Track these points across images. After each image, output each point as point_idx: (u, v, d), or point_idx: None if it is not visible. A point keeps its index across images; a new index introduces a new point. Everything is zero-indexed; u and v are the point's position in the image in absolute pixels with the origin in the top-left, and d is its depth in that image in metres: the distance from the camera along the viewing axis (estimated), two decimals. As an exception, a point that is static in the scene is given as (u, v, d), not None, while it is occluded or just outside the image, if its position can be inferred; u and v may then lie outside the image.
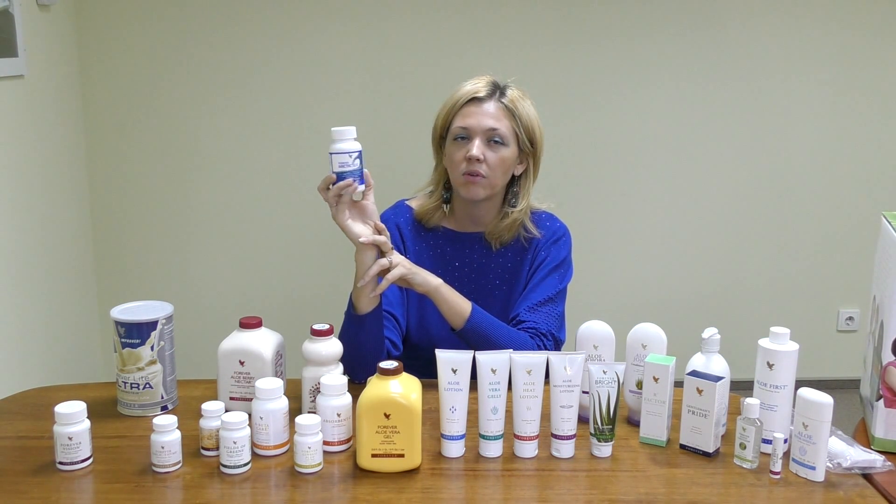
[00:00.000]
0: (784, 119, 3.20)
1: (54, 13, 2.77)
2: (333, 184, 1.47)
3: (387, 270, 1.54)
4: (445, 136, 1.70)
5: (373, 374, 1.32)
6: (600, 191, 3.23)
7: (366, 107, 3.08)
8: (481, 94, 1.66)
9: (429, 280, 1.58)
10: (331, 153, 1.46)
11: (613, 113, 3.17)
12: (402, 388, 1.28)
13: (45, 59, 2.70)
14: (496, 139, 1.64)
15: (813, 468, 1.27)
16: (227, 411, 1.31)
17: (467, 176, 1.65)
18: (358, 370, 1.52)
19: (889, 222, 1.44)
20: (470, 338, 1.59)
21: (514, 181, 1.73)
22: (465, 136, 1.65)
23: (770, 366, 1.34)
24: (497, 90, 1.68)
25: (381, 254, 1.54)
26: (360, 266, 1.54)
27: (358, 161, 1.47)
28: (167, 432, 1.27)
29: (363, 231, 1.52)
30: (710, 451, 1.34)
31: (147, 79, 3.02)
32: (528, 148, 1.69)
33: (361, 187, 1.49)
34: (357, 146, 1.47)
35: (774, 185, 3.26)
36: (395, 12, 3.03)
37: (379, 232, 1.54)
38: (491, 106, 1.65)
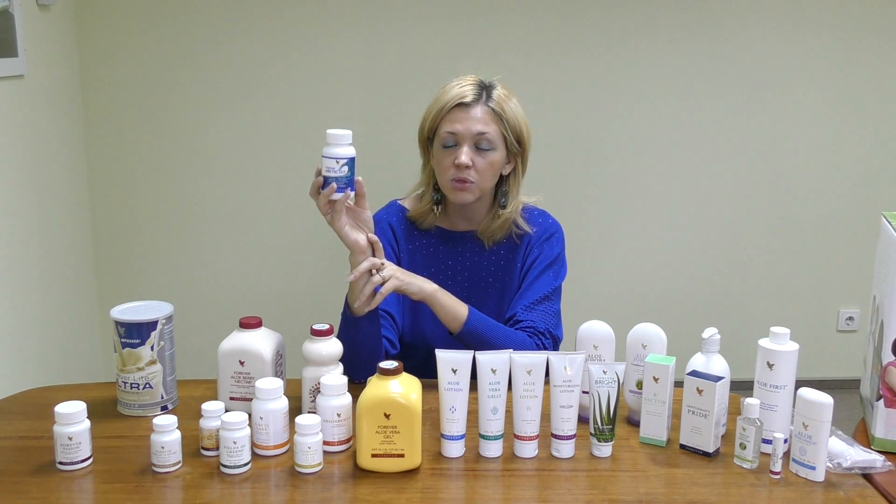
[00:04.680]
0: (784, 118, 3.20)
1: (54, 13, 2.77)
2: (322, 187, 1.45)
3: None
4: (432, 137, 1.70)
5: (372, 374, 1.32)
6: (601, 190, 3.23)
7: (360, 106, 3.08)
8: (468, 99, 1.64)
9: (424, 287, 1.58)
10: (322, 156, 1.44)
11: (614, 112, 3.17)
12: (402, 388, 1.28)
13: (45, 59, 2.70)
14: (484, 144, 1.64)
15: (813, 468, 1.27)
16: (227, 411, 1.31)
17: (455, 183, 1.65)
18: (357, 370, 1.51)
19: (889, 222, 1.44)
20: (468, 341, 1.58)
21: (502, 180, 1.73)
22: (453, 143, 1.65)
23: (770, 366, 1.34)
24: (483, 92, 1.66)
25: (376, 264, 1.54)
26: (355, 269, 1.54)
27: (346, 168, 1.44)
28: (167, 432, 1.27)
29: (359, 240, 1.52)
30: (710, 451, 1.34)
31: (147, 79, 3.02)
32: (516, 148, 1.69)
33: (342, 195, 1.45)
34: (348, 152, 1.44)
35: (774, 184, 3.26)
36: (391, 12, 3.03)
37: (371, 243, 1.53)
38: (478, 111, 1.64)
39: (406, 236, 1.77)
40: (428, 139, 1.72)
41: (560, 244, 1.76)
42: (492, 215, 1.73)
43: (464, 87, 1.66)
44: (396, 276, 1.55)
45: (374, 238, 1.54)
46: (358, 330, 1.56)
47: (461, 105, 1.65)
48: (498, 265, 1.75)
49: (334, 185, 1.44)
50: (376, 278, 1.53)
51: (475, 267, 1.75)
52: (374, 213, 1.78)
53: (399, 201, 1.81)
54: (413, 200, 1.80)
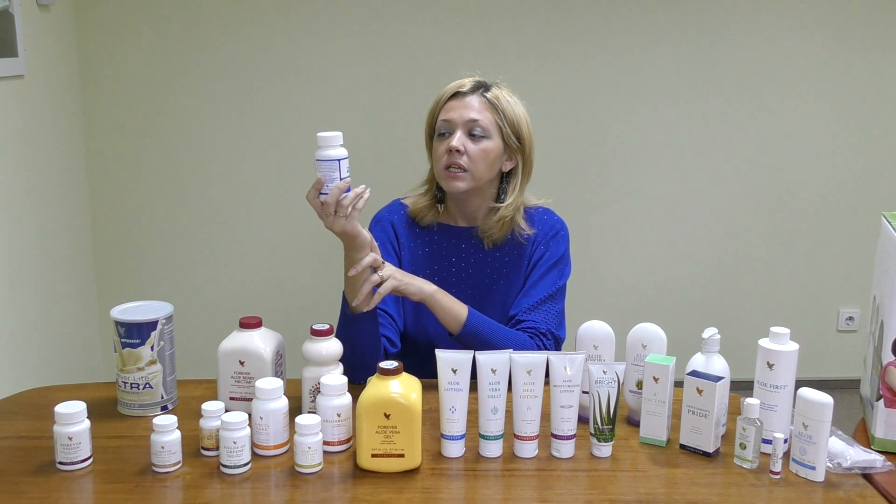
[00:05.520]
0: (784, 118, 3.20)
1: (54, 13, 2.77)
2: (349, 189, 1.44)
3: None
4: (433, 134, 1.71)
5: (371, 374, 1.32)
6: (601, 190, 3.24)
7: (362, 107, 3.08)
8: (464, 89, 1.67)
9: (423, 288, 1.58)
10: (338, 159, 1.42)
11: (615, 112, 3.17)
12: (402, 388, 1.28)
13: (45, 59, 2.70)
14: (477, 131, 1.64)
15: (813, 468, 1.27)
16: (227, 411, 1.31)
17: (448, 170, 1.65)
18: (356, 370, 1.51)
19: (889, 222, 1.44)
20: (468, 342, 1.58)
21: (503, 179, 1.73)
22: (448, 131, 1.66)
23: (770, 366, 1.34)
24: (482, 86, 1.69)
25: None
26: (350, 266, 1.53)
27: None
28: (167, 432, 1.27)
29: (365, 234, 1.51)
30: (710, 451, 1.34)
31: (147, 79, 3.02)
32: (515, 143, 1.68)
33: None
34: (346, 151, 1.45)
35: (775, 184, 3.26)
36: (393, 13, 3.03)
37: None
38: (473, 99, 1.66)
39: (407, 234, 1.76)
40: (431, 137, 1.72)
41: (565, 242, 1.76)
42: (490, 211, 1.72)
43: (462, 80, 1.70)
44: (395, 277, 1.55)
45: (370, 235, 1.54)
46: (356, 328, 1.56)
47: (457, 94, 1.67)
48: (502, 262, 1.74)
49: (363, 185, 1.46)
50: (374, 277, 1.53)
51: (479, 265, 1.75)
52: (376, 212, 1.78)
53: (401, 200, 1.81)
54: (415, 197, 1.80)
